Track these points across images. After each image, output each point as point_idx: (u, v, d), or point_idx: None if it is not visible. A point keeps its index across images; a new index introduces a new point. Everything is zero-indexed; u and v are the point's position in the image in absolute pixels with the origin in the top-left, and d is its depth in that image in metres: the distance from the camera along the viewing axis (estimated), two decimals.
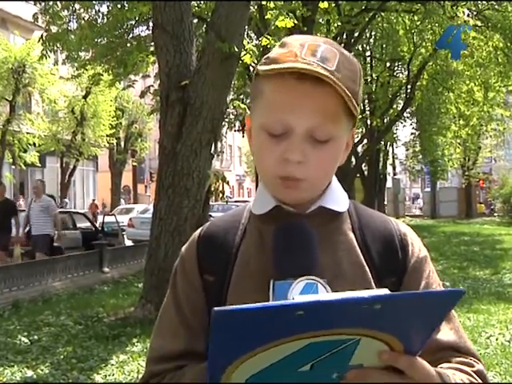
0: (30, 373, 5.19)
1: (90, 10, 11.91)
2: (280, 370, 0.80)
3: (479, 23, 15.19)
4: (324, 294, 0.89)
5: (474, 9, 15.93)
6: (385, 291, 0.80)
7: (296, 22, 9.77)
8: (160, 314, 1.11)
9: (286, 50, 1.00)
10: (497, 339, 6.07)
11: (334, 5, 13.35)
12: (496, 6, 15.55)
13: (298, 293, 0.92)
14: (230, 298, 1.04)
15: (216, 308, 0.72)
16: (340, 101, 0.96)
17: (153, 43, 8.73)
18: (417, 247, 1.09)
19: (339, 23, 14.67)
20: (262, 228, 1.07)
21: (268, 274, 0.97)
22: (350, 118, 1.01)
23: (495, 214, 32.31)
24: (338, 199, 1.09)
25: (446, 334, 1.03)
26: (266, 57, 1.03)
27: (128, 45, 12.12)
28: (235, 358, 0.78)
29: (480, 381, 0.99)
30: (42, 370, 5.27)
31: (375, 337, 0.79)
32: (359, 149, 22.43)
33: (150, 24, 10.15)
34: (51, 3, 11.43)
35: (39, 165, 23.41)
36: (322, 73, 0.93)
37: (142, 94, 11.49)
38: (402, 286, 1.05)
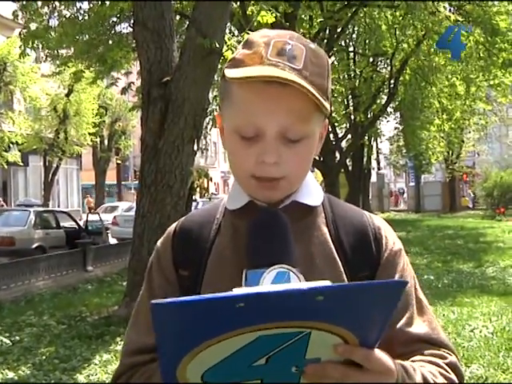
0: (10, 374, 5.14)
1: (70, 7, 11.77)
2: (235, 364, 0.79)
3: (460, 18, 15.24)
4: (264, 286, 0.88)
5: (454, 3, 15.99)
6: (326, 283, 0.79)
7: (278, 17, 9.74)
8: (135, 309, 1.11)
9: (250, 50, 0.98)
10: (480, 331, 6.11)
11: (316, 0, 13.33)
12: (476, 1, 15.62)
13: (269, 282, 0.91)
14: (204, 291, 1.03)
15: (153, 301, 0.71)
16: (310, 99, 0.95)
17: (134, 40, 8.65)
18: (391, 241, 1.09)
19: (322, 19, 14.65)
20: (235, 223, 1.07)
21: (242, 264, 0.96)
22: (322, 112, 1.00)
23: (478, 208, 32.55)
24: (311, 193, 1.08)
25: (418, 326, 1.03)
26: (231, 57, 1.01)
27: (110, 42, 12.01)
28: (186, 351, 0.77)
29: (452, 372, 0.99)
30: (23, 371, 5.22)
31: (326, 329, 0.79)
32: (343, 144, 22.48)
33: (132, 21, 10.06)
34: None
35: (22, 164, 23.15)
36: (289, 78, 0.92)
37: (124, 91, 11.39)
38: (376, 279, 1.04)
